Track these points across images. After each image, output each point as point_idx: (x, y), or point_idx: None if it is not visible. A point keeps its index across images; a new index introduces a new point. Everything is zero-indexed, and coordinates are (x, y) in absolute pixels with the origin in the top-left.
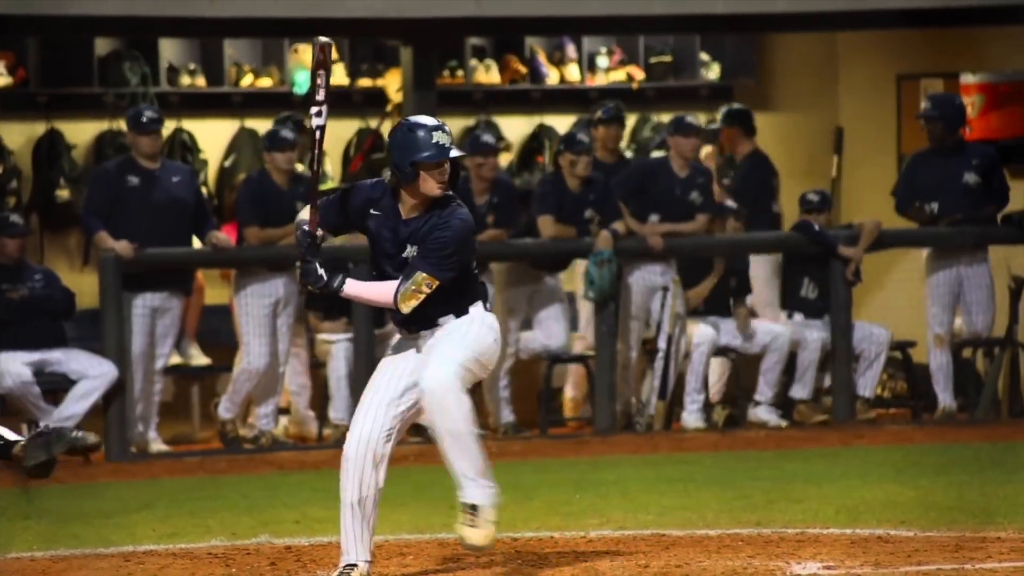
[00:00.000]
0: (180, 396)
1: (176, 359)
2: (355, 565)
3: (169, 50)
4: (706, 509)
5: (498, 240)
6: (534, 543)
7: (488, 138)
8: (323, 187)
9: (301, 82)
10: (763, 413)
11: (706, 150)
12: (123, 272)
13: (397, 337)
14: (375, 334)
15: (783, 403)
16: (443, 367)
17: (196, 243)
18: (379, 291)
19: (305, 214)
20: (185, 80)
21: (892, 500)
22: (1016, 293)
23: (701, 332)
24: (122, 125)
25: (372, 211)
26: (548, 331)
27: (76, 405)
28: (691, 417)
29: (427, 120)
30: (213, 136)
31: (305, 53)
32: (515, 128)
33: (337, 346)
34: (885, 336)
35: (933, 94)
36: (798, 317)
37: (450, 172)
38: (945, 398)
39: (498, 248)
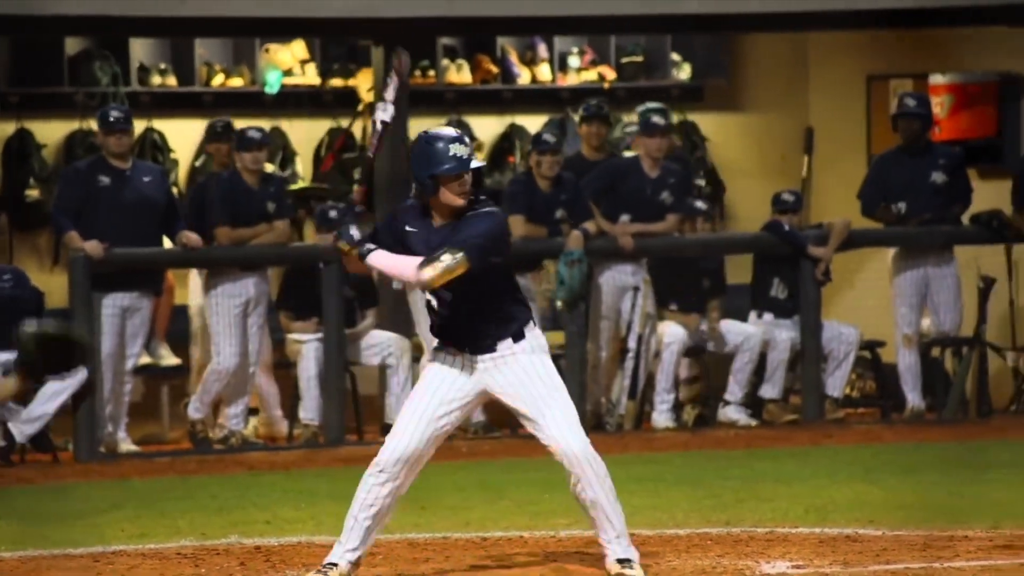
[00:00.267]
0: (150, 396)
1: (146, 359)
2: (335, 565)
3: (140, 50)
4: (676, 508)
5: None
6: (504, 542)
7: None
8: (293, 187)
9: (272, 82)
10: (733, 413)
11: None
12: (93, 272)
13: (438, 354)
14: (345, 334)
15: (753, 403)
16: (575, 435)
17: (166, 243)
18: (403, 263)
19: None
20: (156, 80)
21: (861, 499)
22: (985, 293)
23: (671, 332)
24: (93, 125)
25: (407, 228)
26: None
27: (45, 405)
28: (661, 417)
29: (445, 132)
30: (184, 136)
31: (276, 53)
32: (486, 128)
33: (307, 346)
34: (854, 336)
35: (911, 93)
36: (768, 317)
37: (473, 179)
38: (913, 398)
39: None
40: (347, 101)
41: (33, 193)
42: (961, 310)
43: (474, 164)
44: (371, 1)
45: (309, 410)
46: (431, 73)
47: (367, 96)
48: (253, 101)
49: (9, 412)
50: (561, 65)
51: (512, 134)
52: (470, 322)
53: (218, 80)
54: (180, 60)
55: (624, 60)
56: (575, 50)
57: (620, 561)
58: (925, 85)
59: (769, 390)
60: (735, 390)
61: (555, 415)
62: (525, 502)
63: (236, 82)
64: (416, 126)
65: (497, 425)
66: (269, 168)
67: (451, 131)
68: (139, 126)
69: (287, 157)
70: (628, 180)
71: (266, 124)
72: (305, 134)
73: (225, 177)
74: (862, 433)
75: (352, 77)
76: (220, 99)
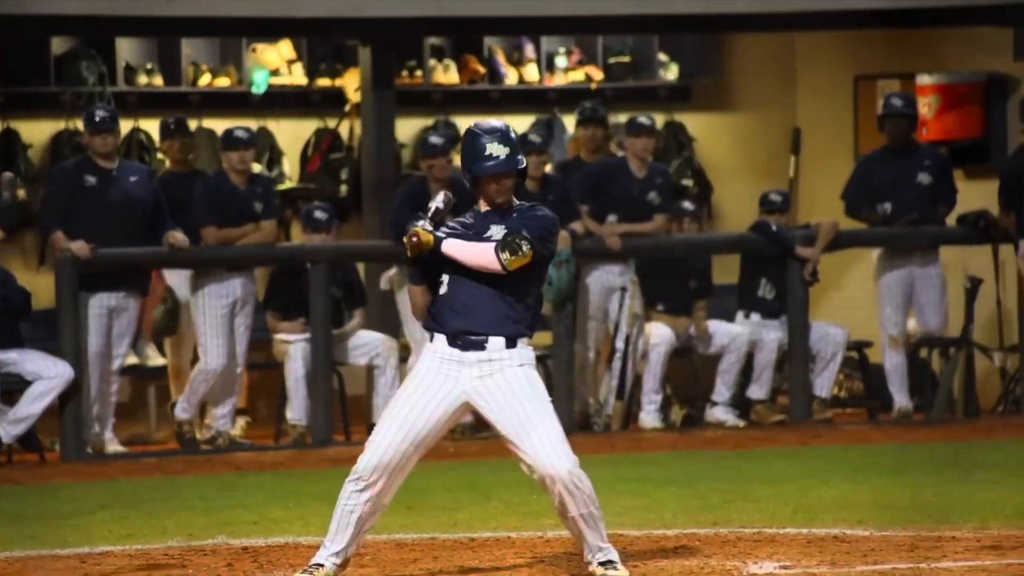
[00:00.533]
0: (137, 397)
1: (133, 359)
2: (321, 565)
3: (126, 49)
4: (663, 509)
5: None
6: (492, 543)
7: (435, 140)
8: (280, 187)
9: (259, 82)
10: (720, 413)
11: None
12: (80, 272)
13: (429, 346)
14: (333, 334)
15: (740, 403)
16: (559, 460)
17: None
18: (480, 248)
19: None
20: (142, 79)
21: (848, 500)
22: (972, 293)
23: (658, 332)
24: (79, 125)
25: (465, 219)
26: None
27: (32, 405)
28: (649, 417)
29: (492, 126)
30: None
31: (263, 53)
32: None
33: (295, 346)
34: (841, 336)
35: (898, 93)
36: (755, 317)
37: (520, 176)
38: (901, 398)
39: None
40: (334, 101)
41: (20, 193)
42: (946, 310)
43: (513, 164)
44: (358, 1)
45: (296, 410)
46: (418, 73)
47: (354, 96)
48: (240, 101)
49: None
50: (548, 65)
51: None
52: (473, 300)
53: (205, 80)
54: (167, 60)
55: (611, 60)
56: (562, 50)
57: (603, 563)
58: (912, 85)
59: (757, 391)
60: (723, 391)
61: (539, 439)
62: (513, 503)
63: (223, 82)
64: (402, 126)
65: (484, 426)
66: (256, 168)
67: (498, 125)
68: (125, 126)
69: (274, 157)
70: (615, 181)
71: (253, 124)
72: (292, 134)
73: (212, 177)
74: (850, 434)
75: (339, 77)
76: (207, 99)
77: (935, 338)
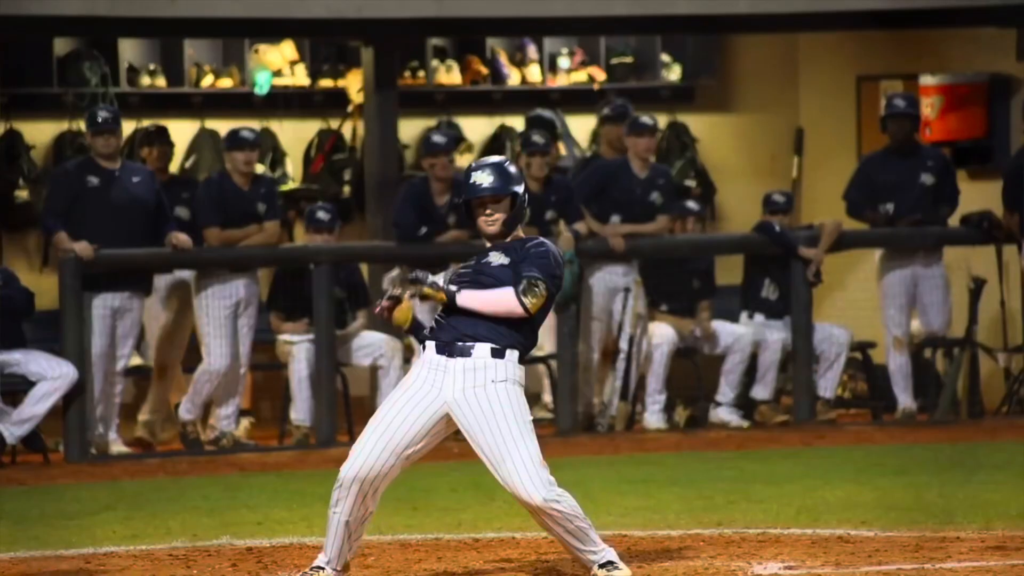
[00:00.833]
0: (140, 397)
1: (137, 360)
2: (322, 568)
3: (129, 50)
4: (667, 510)
5: (460, 241)
6: (496, 543)
7: (437, 138)
8: (283, 188)
9: (262, 83)
10: (724, 414)
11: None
12: (83, 273)
13: (419, 360)
14: (336, 334)
15: (744, 404)
16: (533, 486)
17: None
18: (496, 295)
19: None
20: (145, 80)
21: (853, 500)
22: (975, 294)
23: (661, 332)
24: (82, 125)
25: (470, 261)
26: None
27: (36, 406)
28: (653, 418)
29: (486, 160)
30: (173, 136)
31: (266, 53)
32: (476, 129)
33: (298, 347)
34: (845, 337)
35: (900, 93)
36: (759, 318)
37: (512, 212)
38: (904, 399)
39: (460, 249)
40: (337, 102)
41: (22, 194)
42: (950, 311)
43: (495, 189)
44: (361, 2)
45: (300, 411)
46: (420, 74)
47: (357, 97)
48: (243, 102)
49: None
50: (551, 66)
51: (502, 135)
52: (458, 312)
53: (207, 81)
54: (169, 61)
55: (614, 61)
56: (565, 51)
57: (604, 565)
58: (915, 86)
59: (760, 391)
60: (726, 391)
61: (514, 466)
62: (517, 503)
63: (225, 83)
64: (405, 127)
65: None
66: (259, 169)
67: (494, 159)
68: (128, 127)
69: (277, 158)
70: (618, 181)
71: (256, 125)
72: (295, 135)
73: (215, 178)
74: (854, 434)
75: (342, 78)
76: (209, 100)
77: (939, 339)
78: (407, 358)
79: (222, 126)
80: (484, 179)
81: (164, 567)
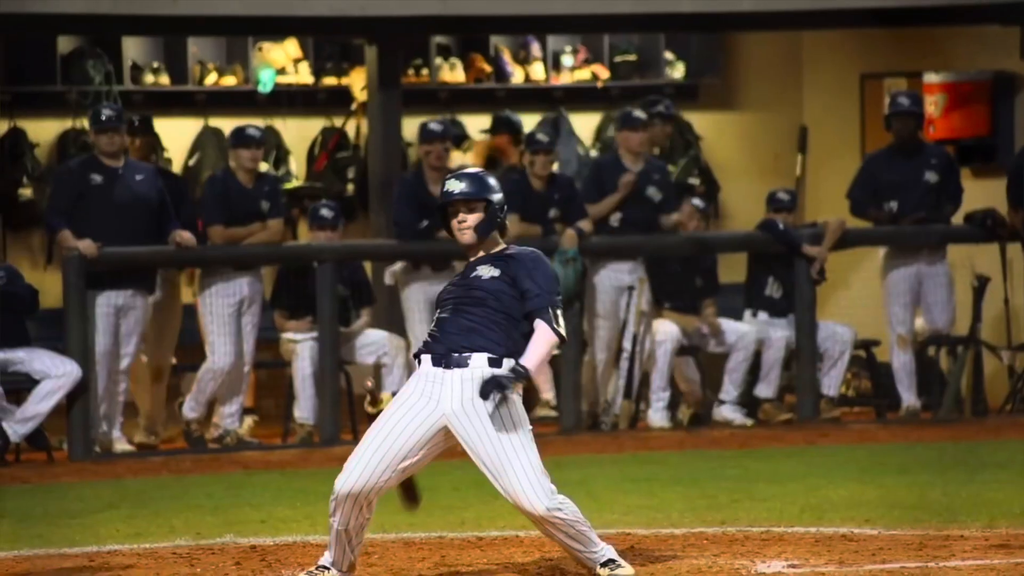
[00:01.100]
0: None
1: (141, 358)
2: (327, 568)
3: (132, 48)
4: (671, 508)
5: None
6: (499, 542)
7: (433, 126)
8: (287, 186)
9: (265, 81)
10: (728, 412)
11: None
12: (87, 271)
13: (415, 373)
14: (340, 332)
15: (748, 402)
16: (536, 496)
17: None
18: (544, 344)
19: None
20: (149, 78)
21: (856, 499)
22: (979, 292)
23: (664, 330)
24: (85, 124)
25: (449, 286)
26: None
27: (39, 404)
28: (657, 416)
29: (462, 170)
30: (177, 135)
31: (270, 51)
32: (480, 127)
33: (302, 345)
34: (849, 335)
35: (904, 91)
36: (763, 316)
37: (485, 219)
38: (908, 397)
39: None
40: (341, 100)
41: (26, 192)
42: (954, 309)
43: (466, 193)
44: (364, 0)
45: (304, 409)
46: (424, 72)
47: (360, 95)
48: (246, 100)
49: (3, 411)
50: (554, 64)
51: None
52: (466, 326)
53: (211, 79)
54: (173, 59)
55: (618, 59)
56: (568, 49)
57: (605, 564)
58: (919, 84)
59: (764, 389)
60: (730, 389)
61: (515, 478)
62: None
63: (229, 81)
64: (408, 125)
65: None
66: (263, 167)
67: (469, 169)
68: None
69: (281, 156)
70: (613, 176)
71: (259, 123)
72: (298, 133)
73: (219, 176)
74: (857, 432)
75: (345, 76)
76: (213, 98)
77: (943, 337)
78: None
79: (226, 124)
80: (458, 185)
81: (168, 565)
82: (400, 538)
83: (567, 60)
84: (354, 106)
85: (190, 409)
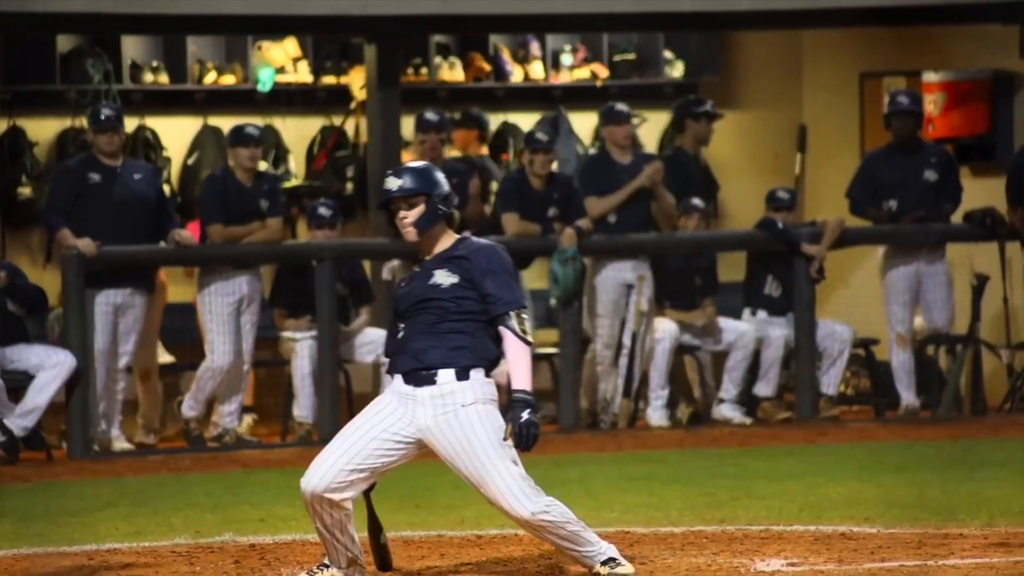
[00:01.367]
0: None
1: None
2: (327, 566)
3: (132, 47)
4: (670, 507)
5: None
6: (499, 541)
7: (430, 115)
8: (286, 185)
9: (265, 80)
10: (727, 411)
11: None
12: (86, 270)
13: (390, 388)
14: (339, 331)
15: (747, 401)
16: (519, 502)
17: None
18: (521, 358)
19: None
20: (148, 77)
21: (855, 497)
22: (978, 291)
23: (663, 328)
24: (84, 122)
25: (402, 285)
26: None
27: (38, 396)
28: (656, 414)
29: (403, 166)
30: (176, 134)
31: (269, 50)
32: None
33: (301, 344)
34: (848, 334)
35: (904, 90)
36: (761, 315)
37: (426, 213)
38: (907, 396)
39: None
40: (340, 99)
41: (25, 191)
42: (953, 307)
43: (402, 191)
44: None
45: (303, 408)
46: (423, 71)
47: (360, 94)
48: (246, 99)
49: (3, 408)
50: (554, 63)
51: (505, 132)
52: (423, 336)
53: (210, 78)
54: (172, 58)
55: (617, 58)
56: (568, 48)
57: (605, 563)
58: (918, 83)
59: (763, 388)
60: (729, 388)
61: (496, 488)
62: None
63: (228, 80)
64: (407, 124)
65: None
66: (262, 166)
67: (410, 164)
68: (131, 124)
69: (280, 155)
70: (606, 171)
71: (259, 122)
72: (298, 132)
73: (218, 175)
74: (856, 431)
75: (345, 75)
76: (212, 97)
77: (942, 335)
78: None
79: (225, 123)
80: (395, 182)
81: (167, 564)
82: (399, 537)
83: (566, 59)
84: (353, 105)
85: (189, 408)
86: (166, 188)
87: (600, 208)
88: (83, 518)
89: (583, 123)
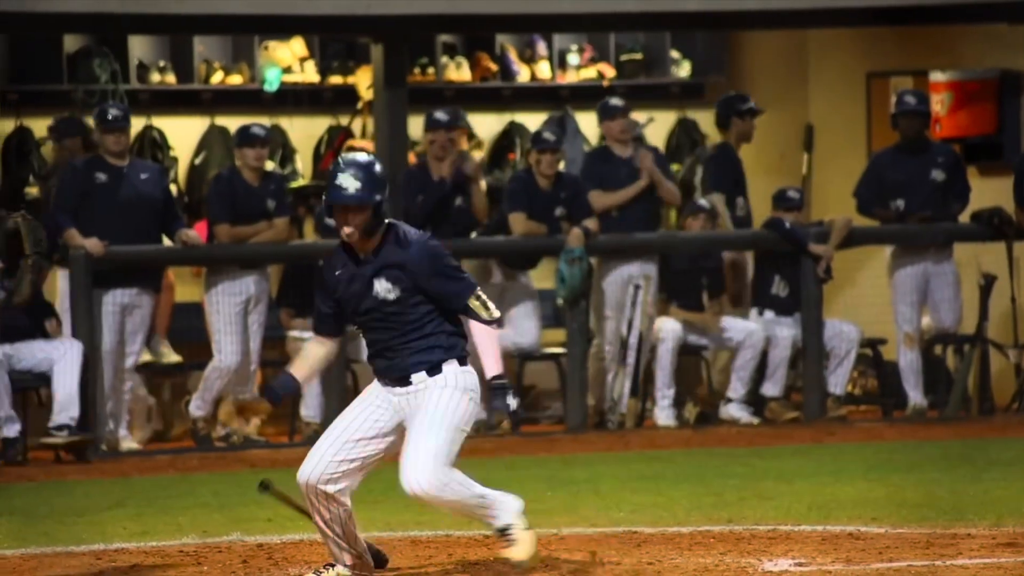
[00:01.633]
0: (151, 394)
1: (147, 357)
2: (333, 565)
3: (139, 47)
4: (678, 506)
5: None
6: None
7: (440, 115)
8: (293, 185)
9: (271, 79)
10: (735, 410)
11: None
12: (93, 269)
13: (374, 384)
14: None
15: (754, 400)
16: (419, 472)
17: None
18: (491, 345)
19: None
20: (155, 77)
21: (863, 497)
22: (986, 290)
23: (667, 328)
24: (92, 122)
25: (337, 273)
26: (520, 329)
27: (66, 388)
28: (663, 414)
29: (354, 159)
30: (183, 133)
31: (276, 50)
32: (486, 125)
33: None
34: (855, 333)
35: (911, 90)
36: (769, 314)
37: (372, 221)
38: (915, 396)
39: (468, 245)
40: (347, 98)
41: (32, 191)
42: (961, 307)
43: (358, 199)
44: None
45: (310, 408)
46: (430, 71)
47: (366, 93)
48: (252, 99)
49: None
50: (560, 63)
51: (512, 132)
52: (389, 348)
53: (217, 78)
54: (179, 58)
55: (624, 58)
56: (574, 48)
57: (500, 530)
58: (925, 82)
59: (771, 388)
60: (737, 388)
61: (414, 453)
62: (527, 500)
63: (235, 80)
64: (414, 124)
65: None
66: (269, 166)
67: (362, 159)
68: (138, 124)
69: (287, 155)
70: (607, 165)
71: (265, 122)
72: (304, 132)
73: (225, 175)
74: (864, 431)
75: (351, 74)
76: (219, 97)
77: (949, 335)
78: None
79: (232, 123)
80: (352, 184)
81: (174, 563)
82: (407, 536)
83: (573, 59)
84: (360, 105)
85: (197, 407)
86: (173, 188)
87: (603, 203)
88: (90, 517)
89: (590, 123)
